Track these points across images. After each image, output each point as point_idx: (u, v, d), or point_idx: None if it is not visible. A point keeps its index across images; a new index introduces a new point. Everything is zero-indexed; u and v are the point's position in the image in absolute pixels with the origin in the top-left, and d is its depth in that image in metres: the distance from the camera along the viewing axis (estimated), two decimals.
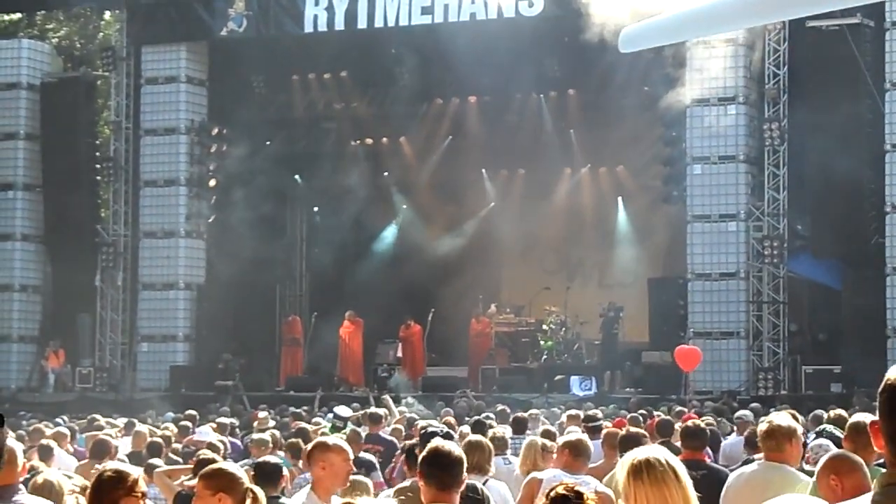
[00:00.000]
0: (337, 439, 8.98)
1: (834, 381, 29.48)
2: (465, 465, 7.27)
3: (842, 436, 11.45)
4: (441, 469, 7.03)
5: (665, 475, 5.09)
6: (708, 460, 12.02)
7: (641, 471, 5.09)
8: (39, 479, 8.74)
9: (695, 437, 11.33)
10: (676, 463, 5.20)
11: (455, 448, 7.33)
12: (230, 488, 7.29)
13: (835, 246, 30.88)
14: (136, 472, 6.69)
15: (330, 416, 21.31)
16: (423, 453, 7.33)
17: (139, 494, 6.47)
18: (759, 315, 31.26)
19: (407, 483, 9.10)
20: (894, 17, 29.87)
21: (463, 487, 8.91)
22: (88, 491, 6.72)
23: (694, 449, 11.13)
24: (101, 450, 14.30)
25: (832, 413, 15.06)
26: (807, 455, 10.19)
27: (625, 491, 5.12)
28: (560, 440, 11.66)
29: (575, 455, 10.64)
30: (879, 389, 3.95)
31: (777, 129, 30.76)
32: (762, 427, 9.05)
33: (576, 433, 11.98)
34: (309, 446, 8.63)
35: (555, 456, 11.68)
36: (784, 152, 30.92)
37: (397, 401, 26.52)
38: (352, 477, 9.35)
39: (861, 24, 30.03)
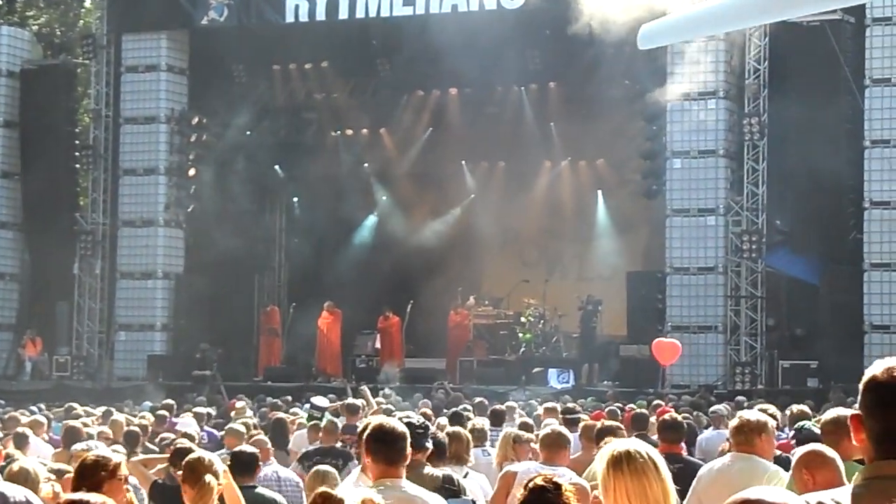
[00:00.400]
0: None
1: (811, 375, 29.57)
2: (409, 440, 7.47)
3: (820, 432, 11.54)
4: (387, 445, 7.28)
5: (645, 467, 5.08)
6: (684, 453, 12.06)
7: (622, 462, 5.08)
8: (15, 466, 8.72)
9: (672, 430, 11.40)
10: (656, 455, 5.21)
11: (398, 424, 7.56)
12: (188, 479, 7.50)
13: (813, 241, 31.01)
14: (117, 457, 6.72)
15: (307, 406, 21.30)
16: (368, 431, 7.53)
17: (121, 478, 6.49)
18: (736, 310, 31.34)
19: None
20: (875, 14, 29.95)
21: (439, 477, 8.94)
22: (72, 476, 6.73)
23: (671, 442, 11.19)
24: (74, 438, 14.26)
25: (795, 408, 15.01)
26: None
27: (604, 482, 5.10)
28: (539, 433, 11.66)
29: (553, 448, 10.65)
30: (862, 385, 3.96)
31: (757, 124, 30.79)
32: (733, 423, 9.24)
33: (554, 425, 11.97)
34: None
35: (534, 446, 11.70)
36: (764, 147, 30.97)
37: (375, 392, 26.53)
38: (319, 468, 9.35)
39: (842, 21, 30.10)
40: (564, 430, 11.27)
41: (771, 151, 30.95)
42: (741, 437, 8.93)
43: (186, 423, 18.92)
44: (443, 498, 8.72)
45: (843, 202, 30.57)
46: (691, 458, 12.24)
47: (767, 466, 8.70)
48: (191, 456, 8.19)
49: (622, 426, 13.57)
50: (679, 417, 12.55)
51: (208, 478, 7.59)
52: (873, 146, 29.92)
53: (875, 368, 3.99)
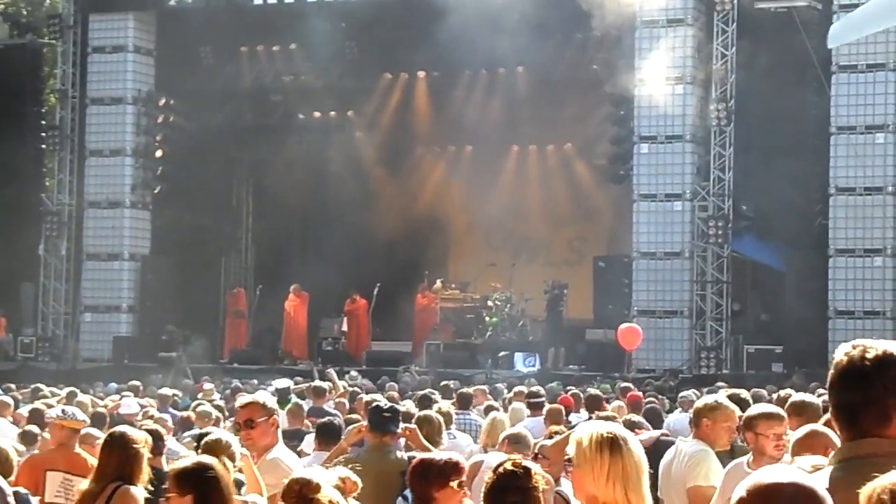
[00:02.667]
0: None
1: (775, 360, 29.71)
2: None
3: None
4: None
5: (616, 445, 5.05)
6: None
7: (598, 442, 5.04)
8: None
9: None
10: (629, 434, 5.21)
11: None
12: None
13: (779, 227, 31.14)
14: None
15: (271, 389, 21.31)
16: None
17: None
18: (702, 294, 31.43)
19: (352, 454, 9.12)
20: (842, 1, 29.99)
21: (405, 460, 8.96)
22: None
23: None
24: (40, 420, 14.21)
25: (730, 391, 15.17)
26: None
27: (591, 462, 5.00)
28: (502, 434, 11.57)
29: (514, 447, 10.62)
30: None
31: (724, 110, 30.87)
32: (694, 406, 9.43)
33: (518, 429, 11.92)
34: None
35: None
36: (731, 133, 31.05)
37: (341, 375, 26.53)
38: (209, 437, 9.12)
39: (809, 7, 30.21)
40: (526, 431, 11.14)
41: (737, 137, 31.04)
42: (692, 419, 9.15)
43: (128, 403, 18.77)
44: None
45: (808, 188, 30.70)
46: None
47: (702, 452, 8.78)
48: (209, 437, 8.25)
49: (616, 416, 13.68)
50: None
51: (224, 460, 7.67)
52: (839, 132, 30.03)
53: (839, 353, 4.06)
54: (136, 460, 7.81)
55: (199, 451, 8.35)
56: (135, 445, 7.85)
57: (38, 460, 10.57)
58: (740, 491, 3.44)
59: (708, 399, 9.38)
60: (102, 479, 7.75)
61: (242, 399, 9.37)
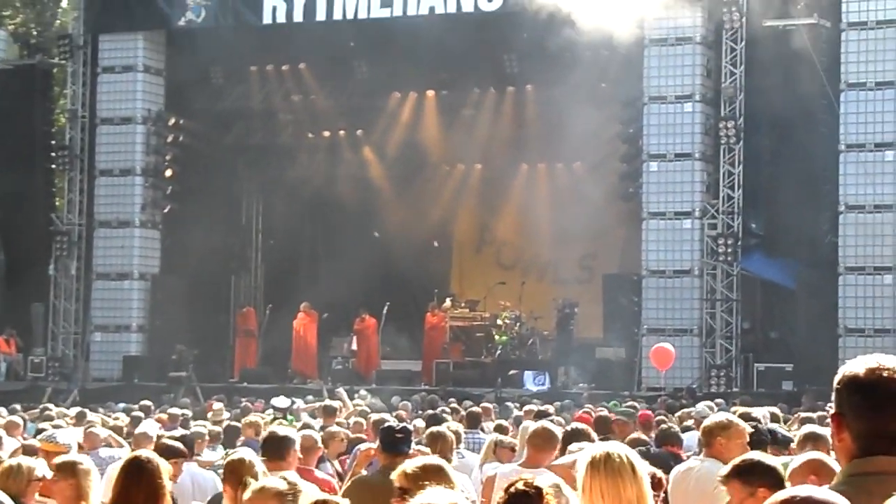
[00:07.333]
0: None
1: (785, 378, 29.68)
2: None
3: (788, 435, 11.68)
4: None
5: (622, 468, 5.10)
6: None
7: (599, 463, 5.10)
8: (6, 463, 8.72)
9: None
10: (635, 458, 5.22)
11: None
12: (229, 479, 7.77)
13: (789, 245, 31.14)
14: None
15: (269, 410, 21.37)
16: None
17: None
18: (712, 313, 31.42)
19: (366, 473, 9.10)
20: (850, 19, 30.05)
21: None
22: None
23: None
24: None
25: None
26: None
27: (582, 482, 5.12)
28: (529, 430, 11.58)
29: (541, 447, 10.58)
30: (843, 384, 3.96)
31: (733, 128, 30.88)
32: (703, 424, 9.39)
33: (543, 423, 11.91)
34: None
35: (518, 447, 11.76)
36: (739, 151, 31.07)
37: (350, 394, 26.51)
38: (235, 455, 9.17)
39: (817, 25, 30.23)
40: (556, 428, 11.19)
41: (746, 155, 31.07)
42: (704, 438, 9.15)
43: (147, 425, 18.76)
44: None
45: (818, 206, 30.68)
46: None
47: (720, 470, 8.70)
48: (233, 457, 8.19)
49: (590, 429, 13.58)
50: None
51: (249, 480, 7.62)
52: (848, 150, 30.05)
53: (856, 367, 3.99)
54: (162, 494, 6.92)
55: (223, 470, 8.33)
56: (159, 480, 6.90)
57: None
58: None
59: (719, 417, 9.36)
60: None
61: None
